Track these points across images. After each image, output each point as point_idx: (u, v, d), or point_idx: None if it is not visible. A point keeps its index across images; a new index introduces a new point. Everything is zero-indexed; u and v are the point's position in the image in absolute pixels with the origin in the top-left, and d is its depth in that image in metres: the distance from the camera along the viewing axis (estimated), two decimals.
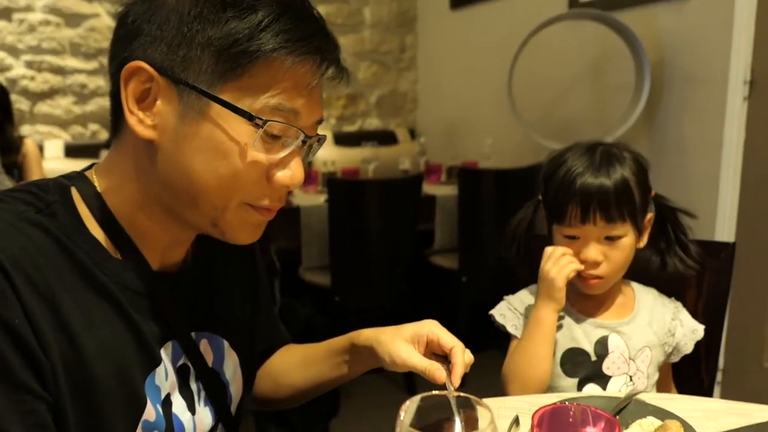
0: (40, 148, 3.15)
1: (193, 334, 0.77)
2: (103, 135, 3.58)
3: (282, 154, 0.68)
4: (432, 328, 0.85)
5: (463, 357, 0.81)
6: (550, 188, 1.12)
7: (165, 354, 0.73)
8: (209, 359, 0.79)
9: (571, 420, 0.65)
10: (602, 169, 1.07)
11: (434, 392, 0.50)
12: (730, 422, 0.91)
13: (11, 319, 0.59)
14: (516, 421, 0.88)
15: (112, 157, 0.73)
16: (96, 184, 0.72)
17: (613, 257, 1.08)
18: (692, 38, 2.44)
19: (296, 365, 0.96)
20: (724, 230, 2.37)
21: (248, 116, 0.64)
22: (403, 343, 0.83)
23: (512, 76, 2.66)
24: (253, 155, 0.66)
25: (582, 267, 1.08)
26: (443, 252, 3.01)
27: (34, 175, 2.87)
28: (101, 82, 3.59)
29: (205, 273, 0.82)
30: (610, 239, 1.08)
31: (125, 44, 0.67)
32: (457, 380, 0.79)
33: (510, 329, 1.16)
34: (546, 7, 2.95)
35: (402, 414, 0.46)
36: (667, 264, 1.16)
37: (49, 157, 3.32)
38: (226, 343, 0.82)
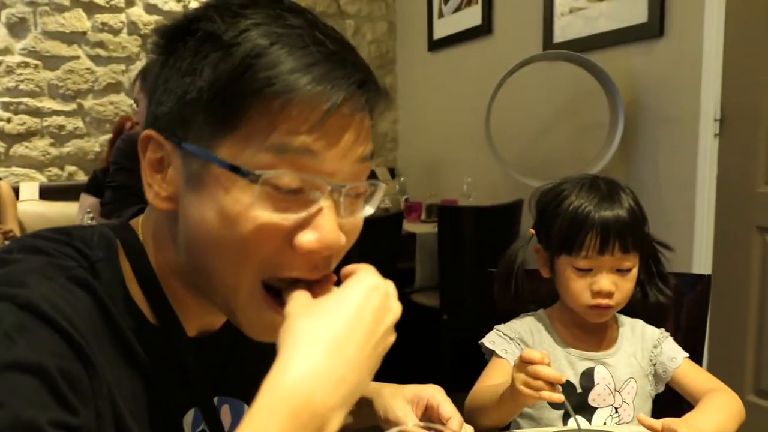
0: (15, 191, 3.11)
1: (215, 399, 0.72)
2: (80, 176, 3.56)
3: (305, 213, 0.56)
4: (434, 393, 0.83)
5: (459, 430, 0.79)
6: (557, 221, 1.11)
7: (186, 423, 0.69)
8: (227, 424, 0.74)
9: None
10: (615, 199, 1.10)
11: (410, 424, 0.49)
12: None
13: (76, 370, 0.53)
14: None
15: (154, 215, 0.66)
16: (141, 237, 0.66)
17: (623, 287, 1.10)
18: (663, 78, 2.50)
19: None
20: (701, 263, 2.40)
21: (241, 172, 0.55)
22: (402, 401, 0.82)
23: (489, 115, 2.70)
24: (261, 217, 0.55)
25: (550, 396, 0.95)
26: (424, 290, 3.00)
27: (8, 218, 2.84)
28: (79, 124, 3.58)
29: (240, 335, 0.74)
30: (621, 272, 1.09)
31: (148, 113, 0.63)
32: None
33: (500, 353, 1.14)
34: (521, 48, 3.02)
35: None
36: (648, 295, 1.17)
37: (24, 199, 3.28)
38: (246, 407, 0.77)
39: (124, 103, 3.63)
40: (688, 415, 1.02)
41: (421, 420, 0.80)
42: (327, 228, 0.57)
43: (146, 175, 0.61)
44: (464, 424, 0.80)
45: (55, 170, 3.57)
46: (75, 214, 2.68)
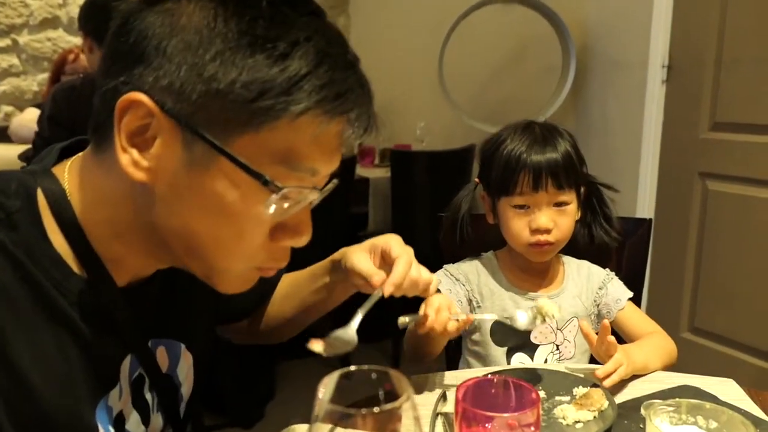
0: None
1: (150, 342, 0.72)
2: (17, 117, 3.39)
3: (290, 213, 0.60)
4: (387, 240, 0.87)
5: (405, 268, 0.82)
6: (494, 166, 1.14)
7: (123, 371, 0.68)
8: (164, 366, 0.75)
9: (493, 392, 0.66)
10: (548, 142, 1.12)
11: (352, 368, 0.49)
12: (644, 388, 0.96)
13: None
14: (443, 397, 0.90)
15: (90, 167, 0.62)
16: (66, 186, 0.62)
17: (562, 223, 1.13)
18: (615, 24, 2.51)
19: (284, 295, 0.96)
20: (645, 206, 2.48)
21: (263, 180, 0.56)
22: (360, 252, 0.87)
23: (443, 59, 2.68)
24: (265, 219, 0.59)
25: (461, 324, 0.95)
26: (377, 234, 3.01)
27: None
28: (14, 61, 3.39)
29: (169, 278, 0.73)
30: (559, 205, 1.12)
31: (125, 66, 0.56)
32: (389, 288, 0.80)
33: (445, 292, 1.17)
34: None
35: (321, 390, 0.45)
36: (594, 236, 1.22)
37: None
38: (182, 346, 0.78)
39: (62, 39, 3.44)
40: (625, 346, 1.08)
41: (380, 267, 0.84)
42: (306, 227, 0.62)
43: (121, 140, 0.56)
44: (420, 266, 0.85)
45: None
46: (13, 156, 2.57)
